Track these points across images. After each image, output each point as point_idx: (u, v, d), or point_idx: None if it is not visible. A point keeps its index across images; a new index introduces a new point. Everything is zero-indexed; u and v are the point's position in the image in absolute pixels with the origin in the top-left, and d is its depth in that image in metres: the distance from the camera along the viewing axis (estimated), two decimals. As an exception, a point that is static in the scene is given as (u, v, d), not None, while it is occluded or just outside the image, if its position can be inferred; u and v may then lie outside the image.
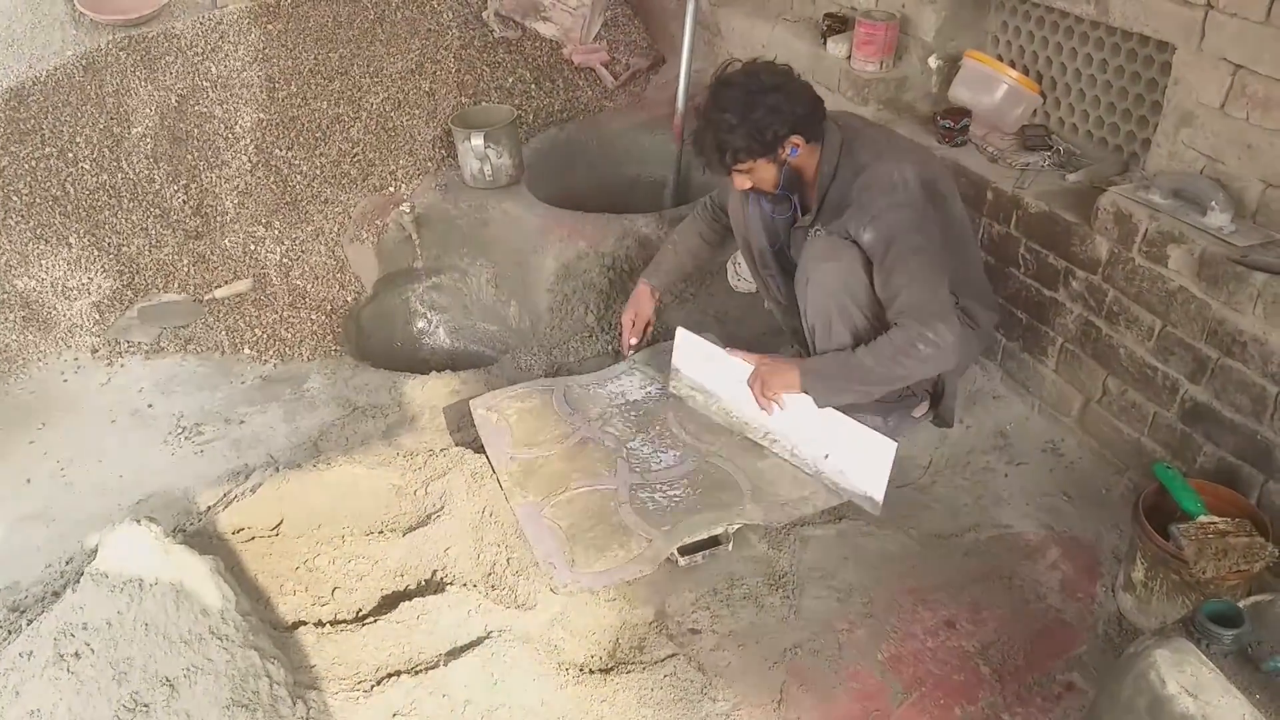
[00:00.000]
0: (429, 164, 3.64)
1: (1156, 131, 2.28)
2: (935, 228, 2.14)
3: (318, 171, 3.53)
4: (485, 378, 2.85)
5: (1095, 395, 2.40)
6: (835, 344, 2.26)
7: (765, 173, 2.21)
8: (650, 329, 2.73)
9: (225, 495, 2.38)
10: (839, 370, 2.21)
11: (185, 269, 3.23)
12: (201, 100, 3.44)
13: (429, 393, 2.78)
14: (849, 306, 2.20)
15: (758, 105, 2.11)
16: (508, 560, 2.15)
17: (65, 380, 2.87)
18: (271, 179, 3.46)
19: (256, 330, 3.07)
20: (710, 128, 2.16)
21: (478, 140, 3.30)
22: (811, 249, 2.23)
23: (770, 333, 2.88)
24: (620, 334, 2.72)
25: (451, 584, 2.08)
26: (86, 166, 3.23)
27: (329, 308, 3.23)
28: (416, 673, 1.86)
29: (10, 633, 2.00)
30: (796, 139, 2.15)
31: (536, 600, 2.07)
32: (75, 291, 3.08)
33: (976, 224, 2.60)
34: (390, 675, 1.86)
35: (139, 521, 1.84)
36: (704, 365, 2.50)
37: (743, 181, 2.24)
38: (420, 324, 3.53)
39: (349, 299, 3.31)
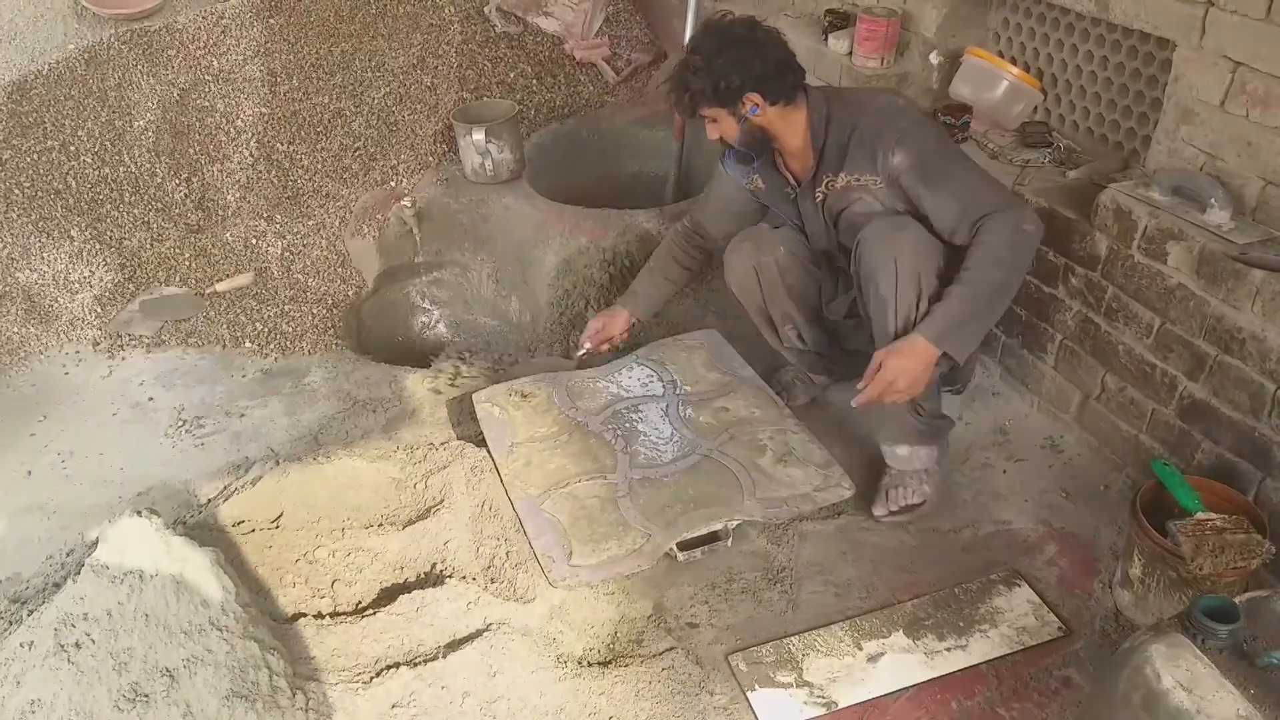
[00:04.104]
0: (430, 159, 3.65)
1: (1156, 128, 2.28)
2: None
3: (319, 166, 3.53)
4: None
5: (1094, 392, 2.40)
6: (903, 293, 2.05)
7: (728, 127, 2.21)
8: (610, 348, 2.69)
9: (225, 488, 2.39)
10: (968, 307, 1.99)
11: (187, 263, 3.24)
12: (203, 94, 3.45)
13: (429, 387, 2.78)
14: (930, 266, 2.06)
15: (724, 53, 2.11)
16: (507, 553, 2.16)
17: (66, 373, 2.88)
18: (273, 173, 3.47)
19: (257, 324, 3.07)
20: (681, 67, 2.18)
21: (479, 135, 3.31)
22: (875, 226, 2.10)
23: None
24: (583, 335, 2.66)
25: (450, 577, 2.09)
26: (88, 160, 3.23)
27: (330, 302, 3.24)
28: (415, 665, 1.87)
29: (11, 623, 2.01)
30: (755, 97, 2.14)
31: (535, 593, 2.08)
32: (77, 284, 3.08)
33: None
34: (389, 667, 1.87)
35: (139, 513, 1.85)
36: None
37: (711, 131, 2.25)
38: (421, 318, 3.54)
39: (350, 293, 3.32)
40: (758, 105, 2.15)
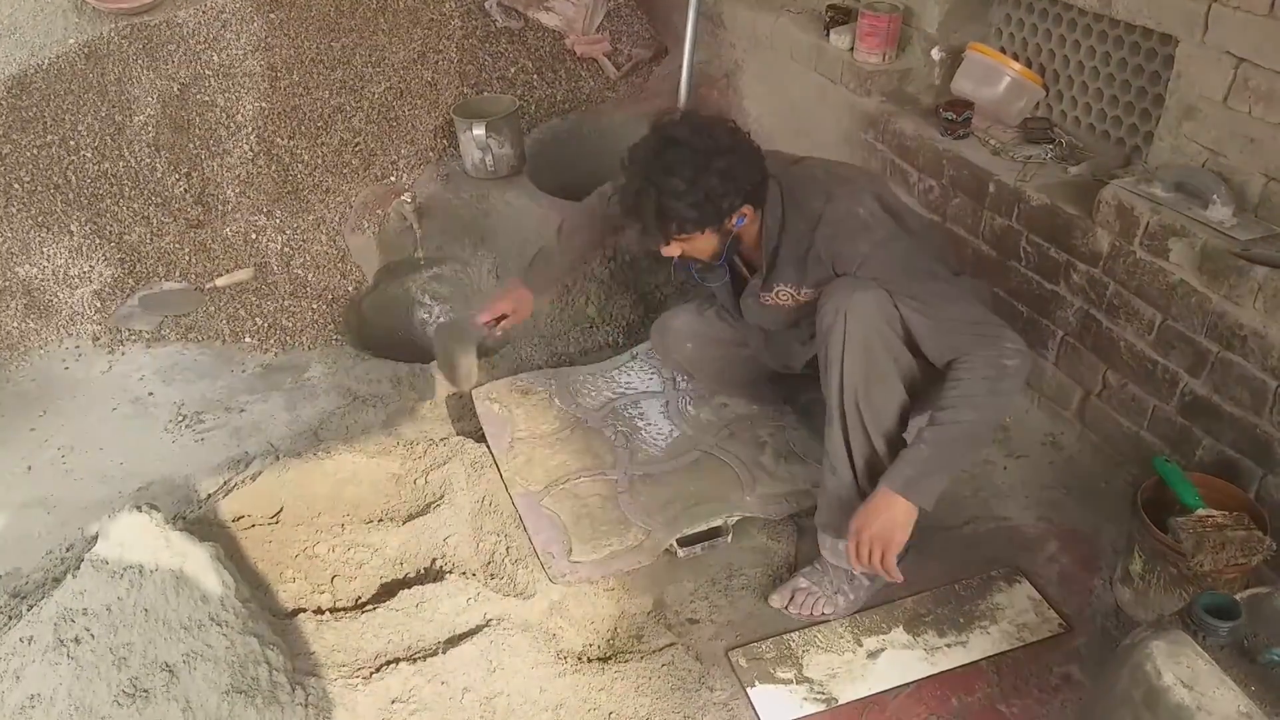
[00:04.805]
0: (431, 154, 3.64)
1: (1159, 125, 2.28)
2: (917, 247, 1.92)
3: (319, 161, 3.52)
4: (486, 368, 2.86)
5: (1095, 389, 2.40)
6: (878, 373, 1.86)
7: (706, 243, 1.94)
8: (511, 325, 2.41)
9: (226, 483, 2.39)
10: (939, 454, 1.80)
11: (187, 257, 3.23)
12: (203, 89, 3.44)
13: (429, 382, 2.78)
14: (888, 334, 1.85)
15: (710, 171, 1.82)
16: (507, 549, 2.16)
17: (66, 368, 2.88)
18: (273, 168, 3.46)
19: (258, 319, 3.07)
20: (652, 191, 1.83)
21: (479, 130, 3.30)
22: (836, 288, 1.87)
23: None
24: (493, 316, 2.37)
25: (450, 572, 2.09)
26: (88, 155, 3.22)
27: (330, 297, 3.23)
28: (415, 660, 1.87)
29: (11, 618, 2.01)
30: (747, 209, 1.91)
31: (535, 589, 2.08)
32: (77, 279, 3.08)
33: (978, 217, 2.61)
34: (389, 663, 1.87)
35: (139, 509, 1.84)
36: None
37: (673, 250, 1.96)
38: (421, 314, 3.53)
39: (350, 288, 3.31)
40: (746, 215, 1.93)
